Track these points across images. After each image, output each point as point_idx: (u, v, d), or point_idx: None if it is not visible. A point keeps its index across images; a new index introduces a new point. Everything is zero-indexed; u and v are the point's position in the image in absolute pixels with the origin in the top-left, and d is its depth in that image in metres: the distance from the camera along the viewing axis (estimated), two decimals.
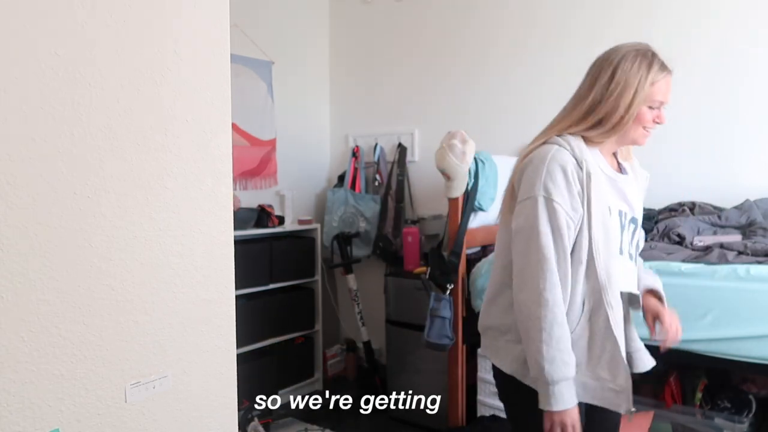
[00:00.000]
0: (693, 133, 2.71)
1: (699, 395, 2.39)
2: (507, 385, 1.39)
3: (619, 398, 1.33)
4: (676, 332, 1.39)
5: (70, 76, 0.97)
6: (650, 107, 1.37)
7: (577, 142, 1.34)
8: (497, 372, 1.40)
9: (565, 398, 1.26)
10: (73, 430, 1.00)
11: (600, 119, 1.34)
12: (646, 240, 2.34)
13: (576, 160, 1.30)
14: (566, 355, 1.26)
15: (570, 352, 1.27)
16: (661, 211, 2.59)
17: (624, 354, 1.33)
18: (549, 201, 1.27)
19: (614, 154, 1.45)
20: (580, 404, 1.31)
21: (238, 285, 1.28)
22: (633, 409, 1.33)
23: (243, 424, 2.71)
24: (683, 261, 2.09)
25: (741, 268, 1.96)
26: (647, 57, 1.35)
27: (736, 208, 2.46)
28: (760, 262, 1.99)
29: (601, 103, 1.34)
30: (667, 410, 2.38)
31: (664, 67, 1.38)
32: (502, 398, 1.47)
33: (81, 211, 0.99)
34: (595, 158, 1.35)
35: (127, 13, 1.04)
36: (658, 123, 1.39)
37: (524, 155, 1.38)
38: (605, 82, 1.34)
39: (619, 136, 1.37)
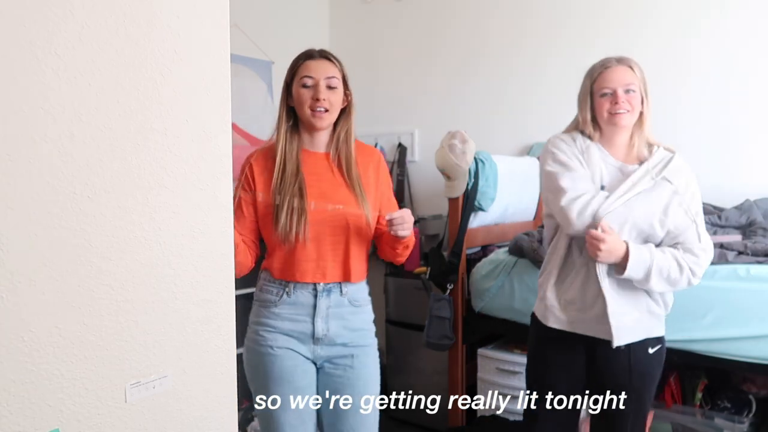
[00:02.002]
0: (693, 134, 2.71)
1: (699, 395, 2.39)
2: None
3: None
4: None
5: (70, 76, 0.97)
6: (602, 95, 1.72)
7: (576, 134, 1.81)
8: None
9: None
10: (73, 430, 1.00)
11: (581, 123, 1.80)
12: None
13: (573, 139, 1.79)
14: None
15: None
16: None
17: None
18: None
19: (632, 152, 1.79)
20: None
21: (238, 285, 1.28)
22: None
23: (243, 424, 2.71)
24: None
25: (741, 268, 1.96)
26: (589, 69, 1.79)
27: (736, 208, 2.46)
28: (760, 262, 1.99)
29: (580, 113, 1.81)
30: (667, 410, 2.39)
31: (602, 64, 1.76)
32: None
33: (81, 211, 0.99)
34: (600, 151, 1.77)
35: (126, 13, 1.04)
36: (616, 104, 1.71)
37: None
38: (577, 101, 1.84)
39: (602, 130, 1.77)
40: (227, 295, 1.24)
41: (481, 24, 3.35)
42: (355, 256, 1.70)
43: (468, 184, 2.60)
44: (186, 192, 1.15)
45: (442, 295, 2.62)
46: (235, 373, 1.27)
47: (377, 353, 1.79)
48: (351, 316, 1.71)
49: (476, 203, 2.66)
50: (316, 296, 1.66)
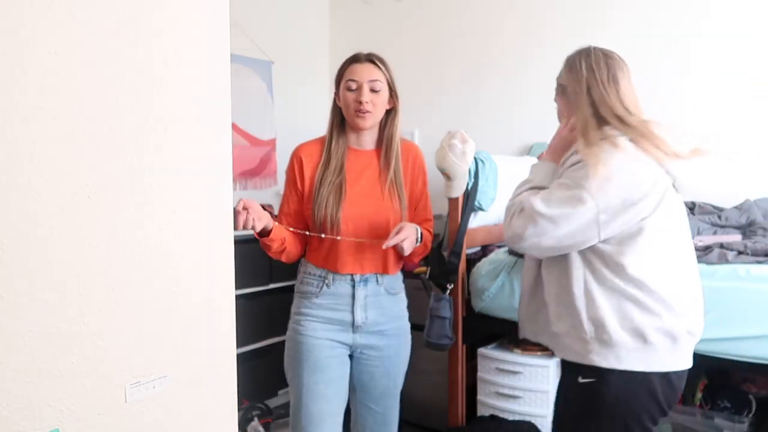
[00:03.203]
0: (693, 133, 2.71)
1: (699, 395, 2.39)
2: None
3: None
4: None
5: (70, 76, 0.97)
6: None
7: None
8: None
9: None
10: (73, 430, 1.00)
11: None
12: None
13: None
14: None
15: None
16: None
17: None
18: None
19: None
20: None
21: (238, 285, 1.28)
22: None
23: (243, 424, 2.71)
24: None
25: (741, 268, 1.95)
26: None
27: (736, 208, 2.46)
28: (760, 262, 1.99)
29: None
30: None
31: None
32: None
33: (81, 211, 0.99)
34: None
35: (126, 13, 1.04)
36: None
37: None
38: None
39: None
40: (227, 295, 1.24)
41: (482, 24, 3.35)
42: (393, 250, 1.75)
43: (468, 184, 2.60)
44: (186, 192, 1.15)
45: (442, 295, 2.61)
46: (235, 373, 1.27)
47: (410, 338, 1.89)
48: (388, 304, 1.80)
49: (476, 203, 2.65)
50: (354, 286, 1.74)
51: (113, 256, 1.04)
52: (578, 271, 1.44)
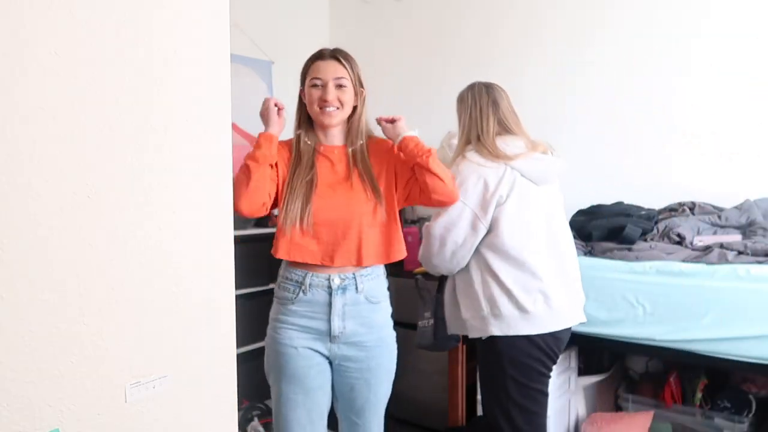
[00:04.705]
0: (693, 133, 2.71)
1: (699, 395, 2.39)
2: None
3: None
4: None
5: (70, 76, 0.97)
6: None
7: None
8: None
9: None
10: (73, 430, 1.00)
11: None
12: (645, 240, 2.35)
13: None
14: None
15: None
16: (661, 211, 2.58)
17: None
18: None
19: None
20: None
21: (238, 285, 1.28)
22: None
23: (243, 424, 2.71)
24: (683, 261, 2.09)
25: (741, 268, 1.95)
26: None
27: (736, 208, 2.46)
28: (760, 262, 1.98)
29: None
30: (667, 410, 2.39)
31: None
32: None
33: (81, 211, 0.99)
34: None
35: (126, 13, 1.04)
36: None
37: None
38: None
39: None
40: (227, 295, 1.24)
41: (482, 24, 3.35)
42: (370, 242, 1.69)
43: None
44: (186, 192, 1.15)
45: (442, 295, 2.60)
46: (235, 373, 1.27)
47: (395, 348, 1.84)
48: (368, 313, 1.71)
49: None
50: (330, 294, 1.67)
51: (113, 256, 1.04)
52: (474, 268, 1.87)
